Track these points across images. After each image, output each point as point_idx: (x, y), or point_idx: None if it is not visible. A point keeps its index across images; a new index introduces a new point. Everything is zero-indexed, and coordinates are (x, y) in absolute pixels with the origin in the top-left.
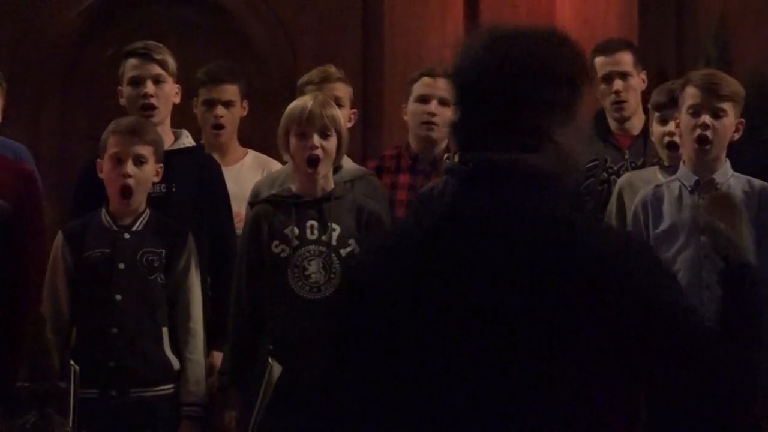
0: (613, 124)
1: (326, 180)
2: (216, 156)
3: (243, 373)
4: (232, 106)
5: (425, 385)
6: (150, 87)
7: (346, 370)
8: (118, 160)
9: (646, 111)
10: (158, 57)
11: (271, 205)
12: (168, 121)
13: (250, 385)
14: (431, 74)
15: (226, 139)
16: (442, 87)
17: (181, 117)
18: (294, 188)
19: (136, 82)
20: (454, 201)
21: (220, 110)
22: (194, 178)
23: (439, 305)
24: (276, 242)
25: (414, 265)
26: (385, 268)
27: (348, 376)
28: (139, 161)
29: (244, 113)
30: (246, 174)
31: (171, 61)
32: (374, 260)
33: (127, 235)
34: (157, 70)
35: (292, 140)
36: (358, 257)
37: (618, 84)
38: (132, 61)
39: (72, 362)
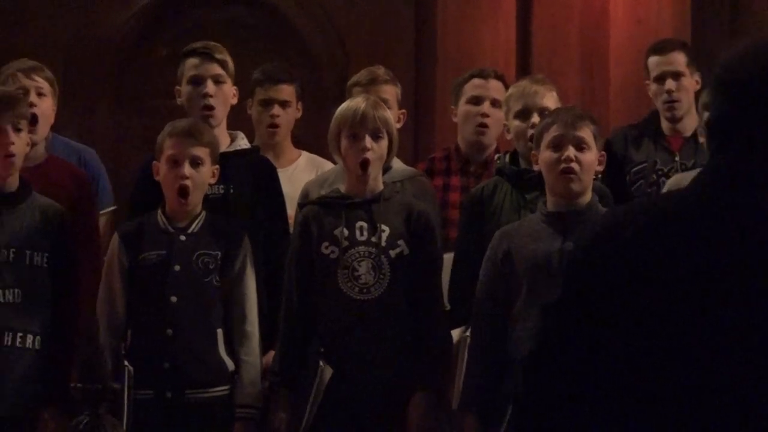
0: (665, 126)
1: (376, 181)
2: (270, 157)
3: (293, 374)
4: (288, 106)
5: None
6: (210, 87)
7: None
8: (175, 162)
9: None
10: (219, 57)
11: (320, 207)
12: (224, 123)
13: (301, 386)
14: (483, 75)
15: (280, 139)
16: (494, 88)
17: (235, 119)
18: (343, 189)
19: (197, 81)
20: (702, 198)
21: (277, 110)
22: (250, 179)
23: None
24: (326, 243)
25: (660, 254)
26: (627, 257)
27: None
28: (196, 163)
29: (299, 115)
30: (300, 175)
31: (230, 62)
32: (604, 252)
33: (183, 237)
34: (218, 69)
35: (344, 142)
36: (578, 253)
37: (670, 84)
38: (192, 61)
39: (126, 363)
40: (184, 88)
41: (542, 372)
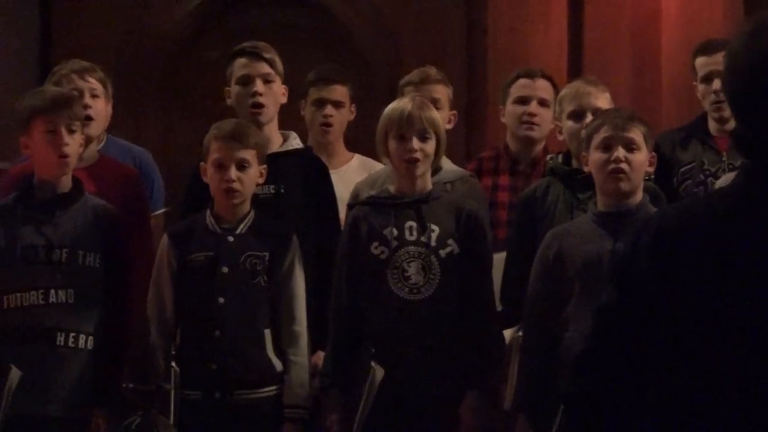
0: (713, 126)
1: (424, 181)
2: (322, 158)
3: (343, 374)
4: (341, 106)
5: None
6: (259, 86)
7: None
8: (221, 166)
9: None
10: (267, 56)
11: (369, 207)
12: (276, 122)
13: (352, 387)
14: (530, 75)
15: (333, 139)
16: (542, 88)
17: (287, 119)
18: (392, 189)
19: (246, 81)
20: (744, 197)
21: (330, 110)
22: (302, 179)
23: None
24: (375, 243)
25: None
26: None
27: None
28: (242, 166)
29: (352, 117)
30: (352, 176)
31: (279, 61)
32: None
33: (231, 238)
34: (267, 69)
35: (391, 142)
36: (628, 254)
37: (717, 84)
38: (241, 60)
39: (173, 364)
40: (234, 89)
41: (592, 373)
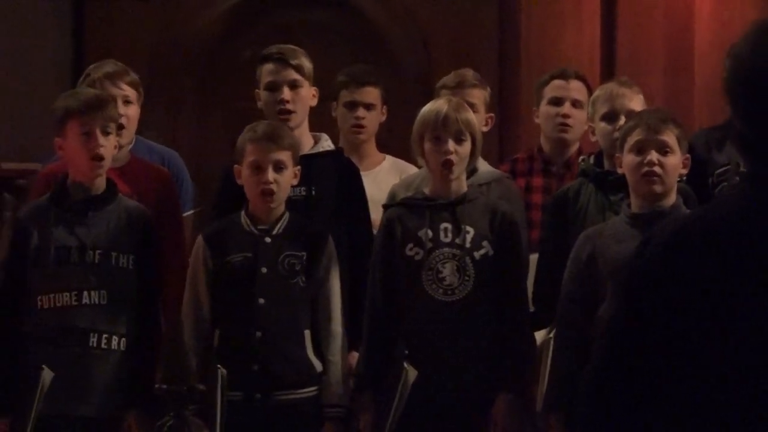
0: None
1: (459, 183)
2: (354, 160)
3: (377, 375)
4: (372, 108)
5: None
6: (286, 93)
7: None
8: (258, 168)
9: None
10: (294, 62)
11: (404, 208)
12: (306, 124)
13: (385, 388)
14: (563, 76)
15: (364, 141)
16: (575, 89)
17: (318, 120)
18: (427, 191)
19: (273, 87)
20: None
21: (361, 112)
22: (333, 181)
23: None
24: (410, 245)
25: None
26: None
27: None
28: (279, 167)
29: (384, 118)
30: (384, 178)
31: (307, 64)
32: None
33: (268, 239)
34: (293, 75)
35: (427, 144)
36: (636, 266)
37: None
38: (268, 66)
39: (219, 366)
40: (262, 94)
41: (603, 393)
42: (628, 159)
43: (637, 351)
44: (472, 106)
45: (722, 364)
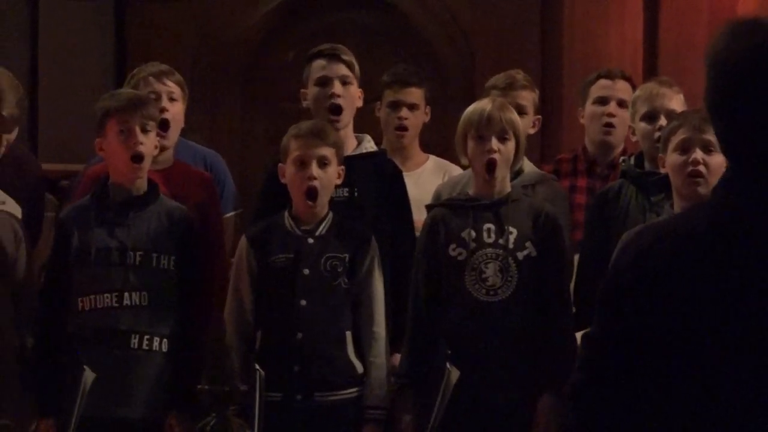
0: None
1: (503, 183)
2: (397, 161)
3: (419, 375)
4: (416, 109)
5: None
6: (338, 87)
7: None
8: (302, 163)
9: None
10: (346, 58)
11: (448, 209)
12: (351, 125)
13: (427, 388)
14: (609, 76)
15: (408, 142)
16: (621, 89)
17: (361, 121)
18: (471, 192)
19: (324, 82)
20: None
21: (405, 112)
22: (376, 182)
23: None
24: (453, 245)
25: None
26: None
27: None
28: (323, 163)
29: (427, 119)
30: (427, 179)
31: (356, 64)
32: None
33: (311, 240)
34: (345, 70)
35: (470, 143)
36: (610, 280)
37: None
38: (319, 62)
39: (257, 367)
40: (311, 90)
41: (588, 406)
42: (672, 159)
43: (616, 361)
44: (521, 107)
45: (699, 370)
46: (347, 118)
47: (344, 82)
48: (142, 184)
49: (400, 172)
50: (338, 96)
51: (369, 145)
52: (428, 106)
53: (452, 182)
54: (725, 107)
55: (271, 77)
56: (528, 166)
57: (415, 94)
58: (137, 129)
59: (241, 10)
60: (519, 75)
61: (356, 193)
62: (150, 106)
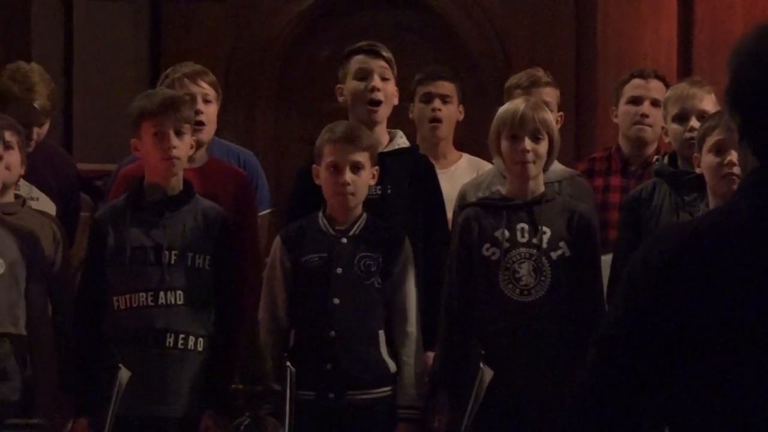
0: None
1: (537, 183)
2: (431, 158)
3: (453, 375)
4: (449, 101)
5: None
6: (377, 81)
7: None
8: (336, 168)
9: None
10: (385, 54)
11: (481, 208)
12: (385, 122)
13: (461, 388)
14: (643, 75)
15: (442, 136)
16: (655, 88)
17: (394, 122)
18: (504, 191)
19: (363, 75)
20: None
21: (438, 103)
22: (408, 179)
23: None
24: (487, 245)
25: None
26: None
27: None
28: (356, 168)
29: (461, 117)
30: (461, 177)
31: (394, 62)
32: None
33: (344, 240)
34: (384, 66)
35: (504, 143)
36: (629, 281)
37: None
38: (359, 57)
39: (289, 364)
40: (349, 84)
41: (596, 412)
42: (708, 159)
43: (635, 370)
44: (546, 104)
45: (731, 369)
46: (385, 111)
47: (383, 78)
48: (177, 184)
49: (433, 166)
50: (378, 90)
51: (402, 141)
52: (461, 105)
53: (477, 181)
54: (750, 104)
55: (305, 76)
56: (554, 164)
57: (447, 87)
58: (171, 132)
59: (276, 10)
60: (540, 72)
61: (389, 190)
62: (185, 109)
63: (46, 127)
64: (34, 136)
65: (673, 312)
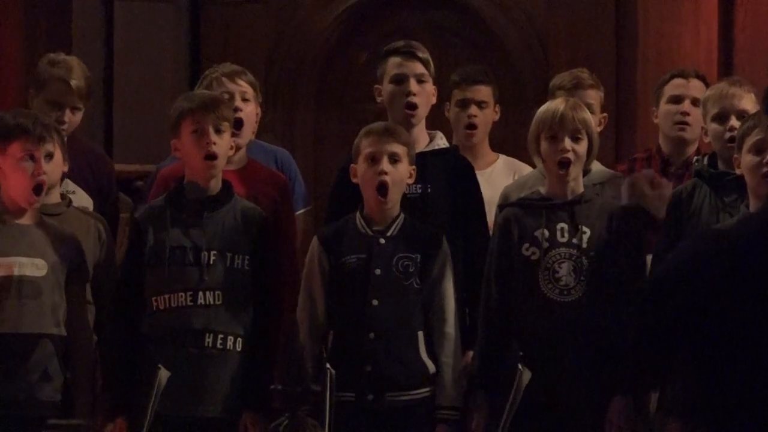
0: None
1: (576, 183)
2: (468, 159)
3: (492, 375)
4: (485, 107)
5: None
6: (413, 85)
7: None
8: (373, 159)
9: None
10: (421, 56)
11: (521, 208)
12: (423, 122)
13: (500, 388)
14: (683, 75)
15: (478, 140)
16: (695, 87)
17: (432, 120)
18: (544, 191)
19: (400, 79)
20: None
21: (474, 110)
22: (448, 179)
23: None
24: (526, 245)
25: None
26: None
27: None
28: (394, 159)
29: (497, 117)
30: (497, 177)
31: (431, 61)
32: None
33: (382, 240)
34: (420, 68)
35: (543, 143)
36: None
37: None
38: (395, 60)
39: (328, 366)
40: (386, 87)
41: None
42: (747, 159)
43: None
44: (588, 106)
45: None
46: (422, 113)
47: (420, 80)
48: (216, 184)
49: (472, 167)
50: (414, 94)
51: (441, 141)
52: (497, 105)
53: (519, 182)
54: None
55: (344, 78)
56: (595, 165)
57: (484, 92)
58: (210, 129)
59: (316, 12)
60: (584, 74)
61: (429, 190)
62: (224, 107)
63: (79, 115)
64: (66, 119)
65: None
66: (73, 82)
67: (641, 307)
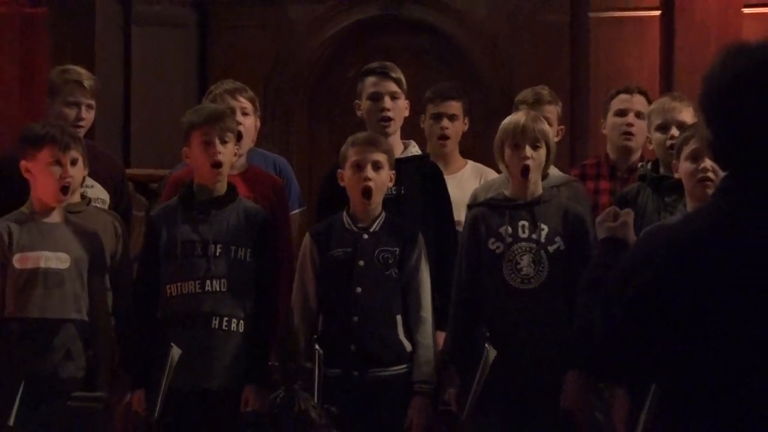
0: None
1: (536, 185)
2: (440, 165)
3: (461, 353)
4: (456, 119)
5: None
6: (387, 102)
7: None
8: (359, 167)
9: None
10: (394, 75)
11: (487, 208)
12: (399, 133)
13: (468, 365)
14: (628, 91)
15: (449, 149)
16: (638, 102)
17: (408, 130)
18: (507, 193)
19: (375, 97)
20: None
21: (446, 122)
22: (420, 181)
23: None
24: (492, 240)
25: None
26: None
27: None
28: (377, 166)
29: (466, 128)
30: (466, 181)
31: (403, 79)
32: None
33: (366, 236)
34: (394, 87)
35: (507, 151)
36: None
37: None
38: (371, 79)
39: (317, 346)
40: (364, 104)
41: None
42: (684, 166)
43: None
44: (547, 119)
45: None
46: (396, 126)
47: (393, 97)
48: (222, 187)
49: (441, 172)
50: (388, 110)
51: (414, 149)
52: (467, 117)
53: (487, 185)
54: (717, 120)
55: (334, 93)
56: (553, 170)
57: (455, 107)
58: (216, 140)
59: (309, 36)
60: (545, 91)
61: (403, 191)
62: (228, 120)
63: (92, 113)
64: (84, 116)
65: (655, 302)
66: (86, 83)
67: (604, 309)
